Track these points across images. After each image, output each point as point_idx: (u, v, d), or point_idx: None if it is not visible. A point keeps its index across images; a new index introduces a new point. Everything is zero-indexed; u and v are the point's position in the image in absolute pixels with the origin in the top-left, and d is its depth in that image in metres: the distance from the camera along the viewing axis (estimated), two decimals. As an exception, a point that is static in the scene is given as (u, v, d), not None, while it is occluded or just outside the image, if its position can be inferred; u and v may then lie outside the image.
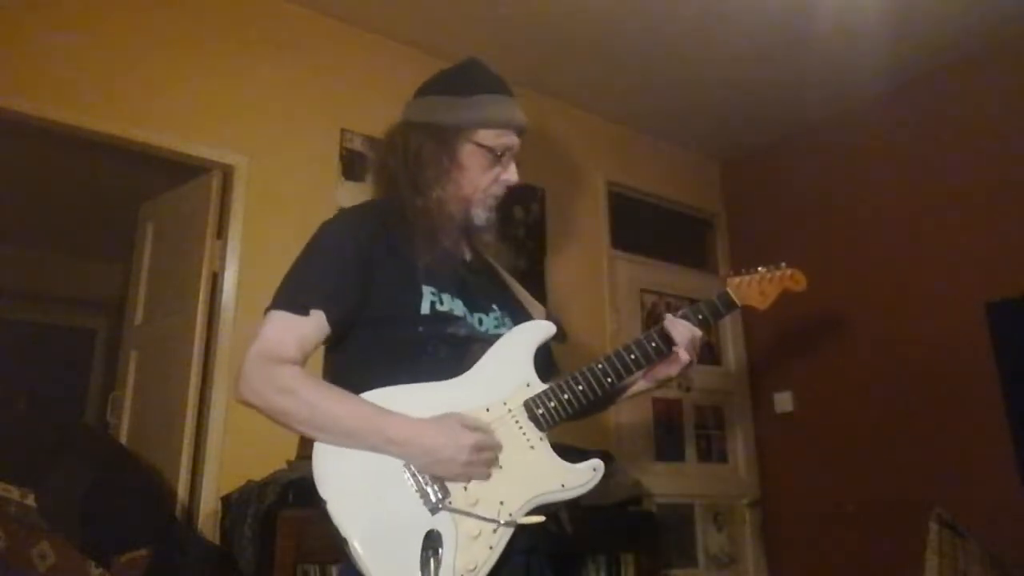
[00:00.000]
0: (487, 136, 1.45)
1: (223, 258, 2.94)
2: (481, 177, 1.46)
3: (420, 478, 1.25)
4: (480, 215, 1.48)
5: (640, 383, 1.56)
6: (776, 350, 4.17)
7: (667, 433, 3.94)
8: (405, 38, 3.54)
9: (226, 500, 2.56)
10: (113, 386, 3.41)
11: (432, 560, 1.19)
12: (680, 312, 1.51)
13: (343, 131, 3.30)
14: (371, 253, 1.36)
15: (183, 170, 3.12)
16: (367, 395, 1.28)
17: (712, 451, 4.13)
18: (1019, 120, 3.36)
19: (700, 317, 1.50)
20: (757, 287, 1.57)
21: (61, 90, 2.71)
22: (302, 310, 1.30)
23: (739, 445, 4.21)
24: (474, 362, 1.36)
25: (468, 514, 1.24)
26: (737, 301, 1.55)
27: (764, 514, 4.10)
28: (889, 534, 3.46)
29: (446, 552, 1.20)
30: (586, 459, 1.35)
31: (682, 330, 1.45)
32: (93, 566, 2.16)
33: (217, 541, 2.56)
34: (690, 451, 4.04)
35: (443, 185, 1.43)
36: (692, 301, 4.78)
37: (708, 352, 4.30)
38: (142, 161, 3.08)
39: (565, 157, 3.98)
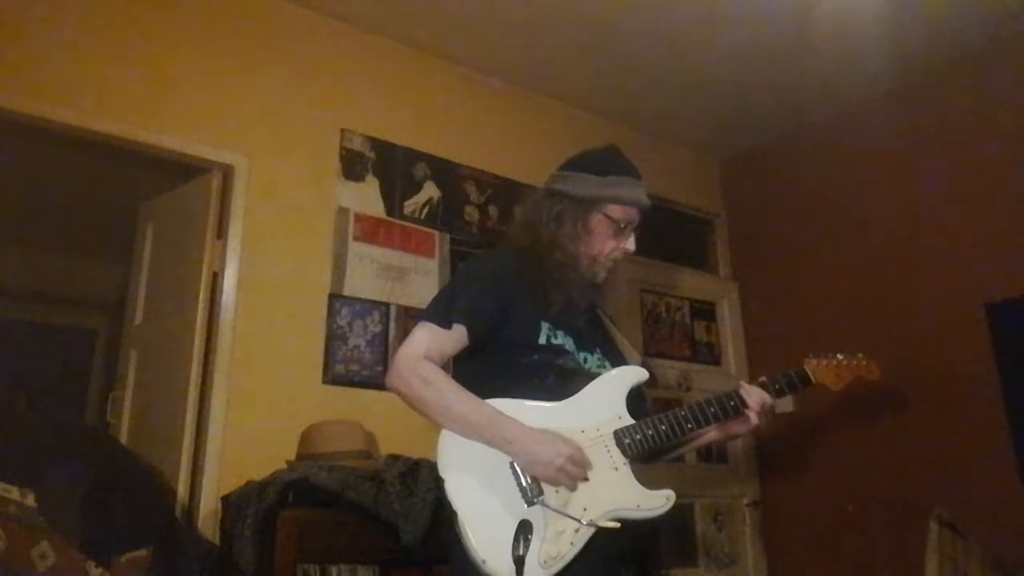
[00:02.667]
0: (615, 210, 1.74)
1: (223, 258, 2.93)
2: (605, 243, 1.74)
3: (522, 476, 1.50)
4: (600, 274, 1.76)
5: (712, 434, 1.79)
6: (776, 350, 4.16)
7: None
8: (405, 38, 3.55)
9: (226, 500, 2.56)
10: (113, 386, 3.40)
11: (523, 543, 1.41)
12: (759, 380, 1.75)
13: (343, 131, 3.30)
14: (507, 289, 1.65)
15: (183, 170, 3.12)
16: (489, 402, 1.55)
17: (712, 451, 4.13)
18: (1019, 120, 3.36)
19: (777, 387, 1.75)
20: (834, 371, 1.81)
21: (61, 90, 2.71)
22: (447, 324, 1.60)
23: (739, 445, 4.21)
24: (575, 392, 1.62)
25: (557, 511, 1.47)
26: (813, 379, 1.78)
27: (764, 514, 4.10)
28: (889, 534, 3.46)
29: (535, 540, 1.43)
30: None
31: (756, 397, 1.69)
32: (93, 566, 2.16)
33: (217, 541, 2.56)
34: (690, 451, 4.03)
35: (575, 245, 1.71)
36: (692, 301, 4.74)
37: (708, 352, 4.31)
38: (142, 161, 3.08)
39: (565, 157, 3.96)
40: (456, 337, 1.60)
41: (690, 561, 3.85)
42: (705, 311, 4.38)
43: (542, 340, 1.64)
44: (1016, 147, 3.35)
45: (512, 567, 1.38)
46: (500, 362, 1.63)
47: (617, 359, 1.77)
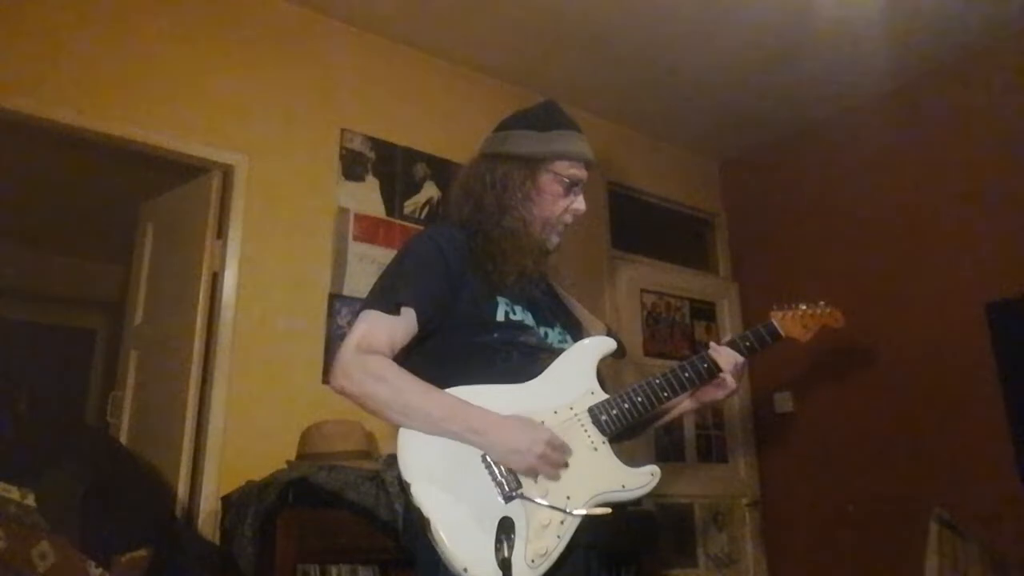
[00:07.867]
0: (562, 167, 1.62)
1: (223, 258, 2.94)
2: (555, 205, 1.62)
3: (495, 469, 1.37)
4: (553, 240, 1.64)
5: (686, 403, 1.68)
6: (776, 350, 4.15)
7: (667, 433, 3.94)
8: (405, 38, 3.55)
9: (226, 500, 2.56)
10: (113, 386, 3.40)
11: (506, 544, 1.30)
12: (726, 339, 1.64)
13: (343, 131, 3.30)
14: (456, 264, 1.51)
15: (183, 170, 3.12)
16: (450, 391, 1.41)
17: (712, 451, 4.13)
18: (1019, 120, 3.36)
19: (747, 344, 1.63)
20: (800, 321, 1.69)
21: (61, 90, 2.71)
22: (394, 309, 1.44)
23: (739, 445, 4.21)
24: (542, 370, 1.49)
25: (539, 503, 1.35)
26: (782, 333, 1.67)
27: (764, 514, 4.11)
28: (889, 534, 3.46)
29: (518, 539, 1.32)
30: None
31: (727, 357, 1.59)
32: (93, 566, 2.16)
33: (217, 541, 2.56)
34: (690, 451, 4.04)
35: (527, 207, 1.59)
36: (692, 301, 4.74)
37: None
38: (142, 161, 3.08)
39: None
40: (406, 323, 1.44)
41: (690, 561, 3.85)
42: (705, 311, 4.38)
43: (500, 317, 1.50)
44: (1016, 147, 3.35)
45: (497, 572, 1.28)
46: (456, 345, 1.49)
47: (578, 332, 1.66)
